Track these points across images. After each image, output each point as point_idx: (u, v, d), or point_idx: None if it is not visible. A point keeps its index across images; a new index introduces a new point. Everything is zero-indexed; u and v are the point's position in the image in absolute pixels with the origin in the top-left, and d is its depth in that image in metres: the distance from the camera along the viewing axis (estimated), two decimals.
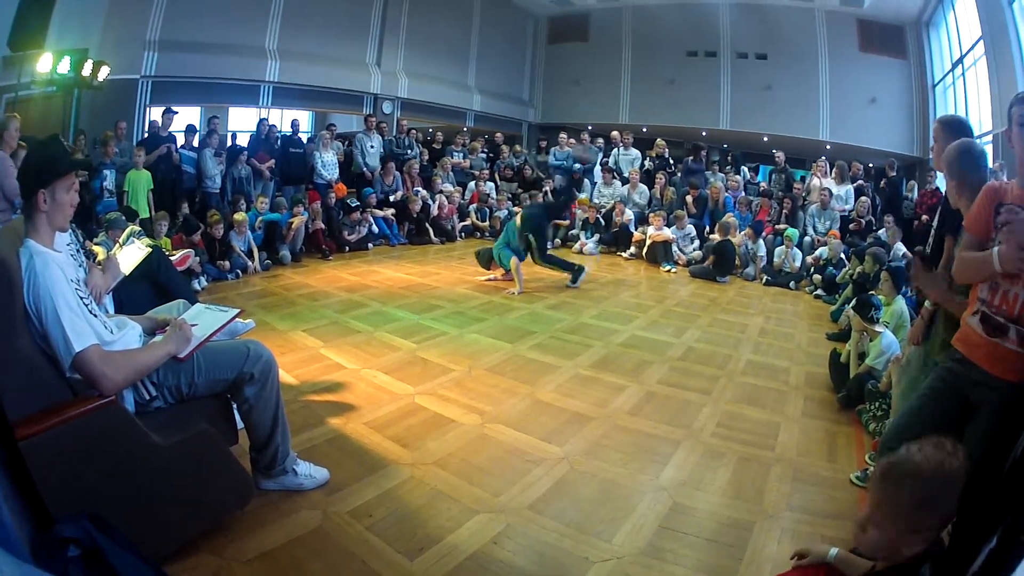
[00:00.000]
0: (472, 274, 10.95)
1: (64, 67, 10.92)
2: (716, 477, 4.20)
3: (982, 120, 13.75)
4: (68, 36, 11.04)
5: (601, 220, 14.56)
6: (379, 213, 13.90)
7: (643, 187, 15.19)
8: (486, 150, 18.20)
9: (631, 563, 3.25)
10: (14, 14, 8.97)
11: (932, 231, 4.18)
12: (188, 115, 14.48)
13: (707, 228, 13.60)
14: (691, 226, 13.37)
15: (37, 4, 9.21)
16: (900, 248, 10.45)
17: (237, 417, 3.68)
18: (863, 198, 13.24)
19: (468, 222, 15.81)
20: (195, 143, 12.72)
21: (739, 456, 4.52)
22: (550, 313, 8.54)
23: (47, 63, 10.70)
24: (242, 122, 17.72)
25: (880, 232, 12.08)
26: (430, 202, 14.88)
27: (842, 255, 11.40)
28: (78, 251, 3.56)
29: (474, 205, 16.14)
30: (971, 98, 15.09)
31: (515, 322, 7.99)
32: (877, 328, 5.77)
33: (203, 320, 3.62)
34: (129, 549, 2.65)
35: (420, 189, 15.03)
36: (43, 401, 2.71)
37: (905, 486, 2.05)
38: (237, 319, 3.83)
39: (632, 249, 13.65)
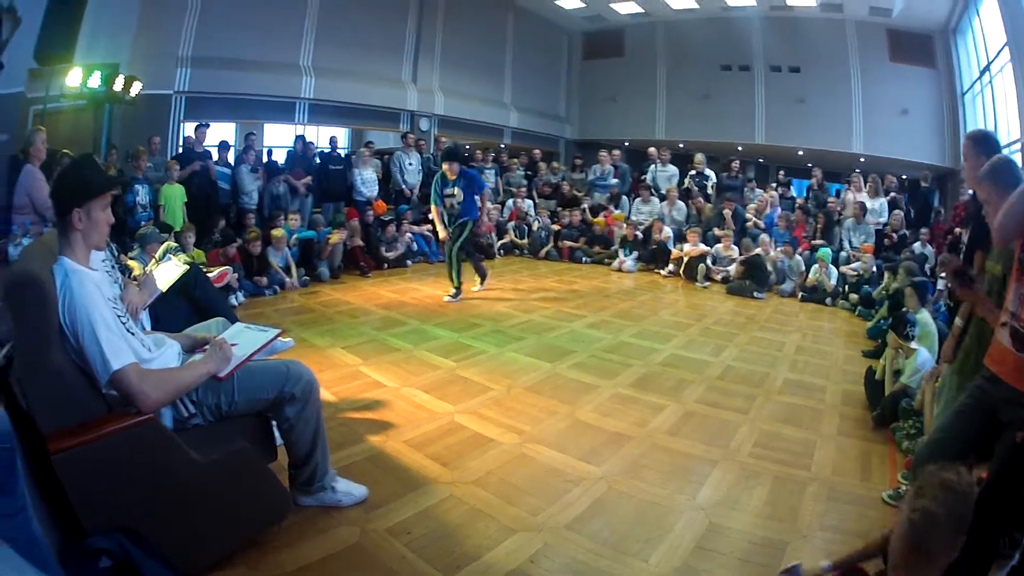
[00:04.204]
0: (509, 292, 11.03)
1: (95, 82, 10.96)
2: (752, 497, 4.22)
3: (1010, 128, 13.59)
4: (97, 51, 11.07)
5: (640, 237, 14.52)
6: (417, 229, 13.99)
7: (681, 204, 15.18)
8: (522, 167, 18.16)
9: None
10: (39, 28, 9.03)
11: (964, 246, 4.18)
12: (223, 131, 14.70)
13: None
14: (734, 246, 13.32)
15: (63, 19, 9.20)
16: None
17: (276, 434, 3.71)
18: (897, 211, 13.19)
19: (507, 239, 15.88)
20: (229, 159, 12.90)
21: (775, 476, 4.54)
22: (589, 332, 8.55)
23: (77, 77, 10.74)
24: (277, 138, 17.80)
25: (915, 245, 12.04)
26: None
27: (874, 269, 11.41)
28: (113, 267, 3.60)
29: (512, 222, 16.19)
30: (999, 105, 14.86)
31: (554, 341, 8.01)
32: (912, 345, 5.78)
33: (243, 339, 3.65)
34: (163, 562, 2.73)
35: None
36: (77, 416, 2.79)
37: (941, 536, 2.12)
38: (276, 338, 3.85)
39: (671, 266, 13.61)
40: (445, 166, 10.04)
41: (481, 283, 10.77)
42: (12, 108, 9.98)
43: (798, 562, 2.98)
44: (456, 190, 10.06)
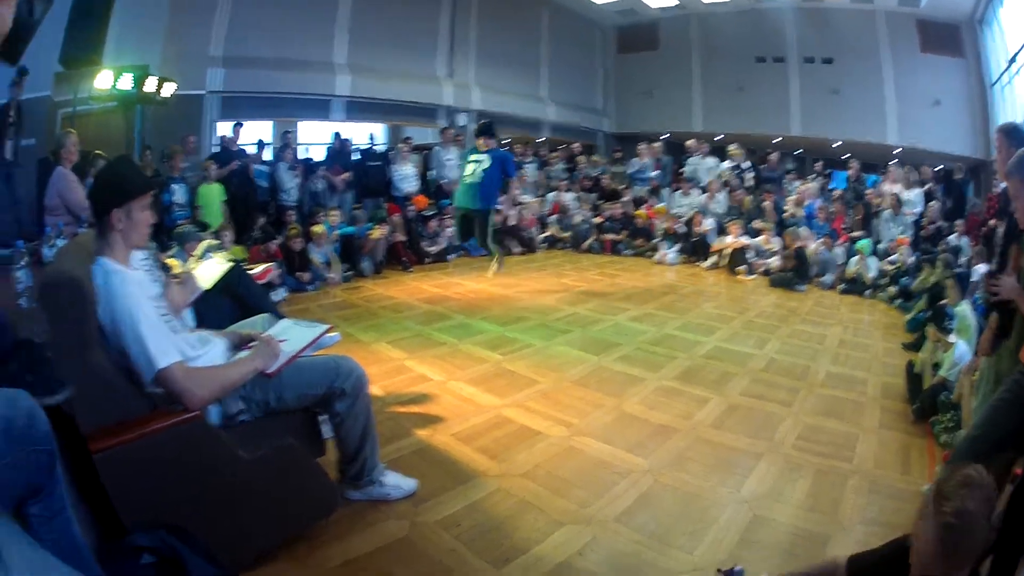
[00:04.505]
0: (553, 285, 11.12)
1: (125, 83, 10.89)
2: (795, 490, 4.25)
3: None
4: (126, 53, 10.99)
5: (681, 230, 14.52)
6: None
7: (721, 196, 15.08)
8: (562, 161, 18.14)
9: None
10: (64, 31, 9.04)
11: (1002, 239, 4.16)
12: (259, 129, 14.77)
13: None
14: (776, 238, 13.24)
15: (88, 22, 9.14)
16: (981, 268, 10.23)
17: (323, 429, 3.78)
18: (933, 202, 13.11)
19: (549, 232, 15.91)
20: (265, 157, 13.05)
21: (817, 468, 4.57)
22: (634, 325, 8.58)
23: (107, 79, 10.68)
24: (313, 135, 17.88)
25: (950, 237, 11.95)
26: (510, 213, 14.90)
27: (911, 261, 11.36)
28: (153, 266, 3.67)
29: (555, 216, 16.23)
30: None
31: (600, 334, 8.06)
32: (951, 338, 5.79)
33: (291, 335, 3.67)
34: (208, 558, 2.77)
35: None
36: (117, 415, 2.83)
37: (975, 533, 2.16)
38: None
39: (712, 258, 13.61)
40: (480, 141, 9.93)
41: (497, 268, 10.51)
42: (39, 112, 9.98)
43: (741, 567, 3.05)
44: (484, 156, 9.84)
